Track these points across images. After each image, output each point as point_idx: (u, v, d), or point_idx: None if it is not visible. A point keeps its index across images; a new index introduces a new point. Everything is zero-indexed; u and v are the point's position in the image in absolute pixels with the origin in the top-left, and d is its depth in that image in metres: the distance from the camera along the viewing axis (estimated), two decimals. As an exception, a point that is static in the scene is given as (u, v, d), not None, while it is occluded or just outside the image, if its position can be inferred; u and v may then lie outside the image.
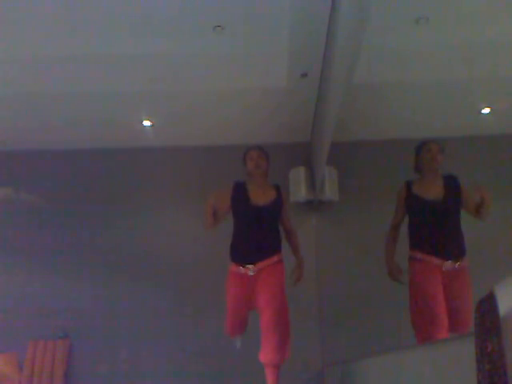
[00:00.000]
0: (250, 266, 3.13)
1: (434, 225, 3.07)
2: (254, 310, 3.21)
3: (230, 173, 4.98)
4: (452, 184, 3.15)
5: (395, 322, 4.22)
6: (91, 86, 4.05)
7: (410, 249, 3.16)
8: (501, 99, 4.40)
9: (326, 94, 3.81)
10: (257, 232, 3.18)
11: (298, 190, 4.79)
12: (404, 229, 3.29)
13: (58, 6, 3.15)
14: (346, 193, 4.82)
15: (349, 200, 4.81)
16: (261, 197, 3.24)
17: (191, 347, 4.56)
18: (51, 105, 4.37)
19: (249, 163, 3.30)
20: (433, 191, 3.14)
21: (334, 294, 4.58)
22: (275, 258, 3.18)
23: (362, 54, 3.19)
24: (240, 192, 3.27)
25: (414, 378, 1.83)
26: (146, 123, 4.72)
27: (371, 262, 4.55)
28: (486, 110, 4.57)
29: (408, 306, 3.13)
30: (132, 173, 5.09)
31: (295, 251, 3.36)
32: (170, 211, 5.00)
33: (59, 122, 4.65)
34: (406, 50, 3.66)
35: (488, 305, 0.93)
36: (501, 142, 4.93)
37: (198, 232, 4.90)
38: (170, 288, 4.73)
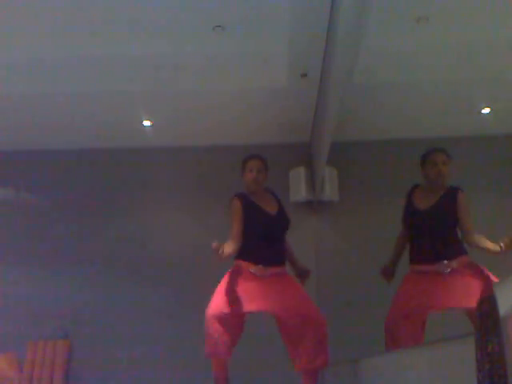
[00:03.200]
0: (260, 267, 3.04)
1: (424, 234, 3.06)
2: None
3: (229, 173, 4.99)
4: (450, 196, 3.08)
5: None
6: (91, 86, 4.05)
7: (409, 265, 3.14)
8: (501, 99, 4.40)
9: (325, 94, 3.81)
10: (269, 238, 3.13)
11: (298, 190, 4.79)
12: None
13: (58, 6, 3.14)
14: (346, 193, 4.82)
15: (349, 200, 4.81)
16: (268, 205, 3.20)
17: (191, 347, 4.56)
18: (51, 105, 4.37)
19: (248, 175, 3.15)
20: (427, 201, 3.10)
21: (333, 293, 4.57)
22: (285, 268, 3.16)
23: (362, 54, 3.20)
24: (248, 200, 3.17)
25: (414, 378, 1.83)
26: (146, 123, 4.72)
27: (371, 262, 4.54)
28: (486, 110, 4.57)
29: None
30: (132, 173, 5.09)
31: (292, 252, 3.30)
32: (169, 211, 5.00)
33: (59, 122, 4.65)
34: (406, 50, 3.65)
35: (488, 305, 0.93)
36: (501, 142, 4.92)
37: (197, 232, 4.90)
38: (170, 288, 4.73)
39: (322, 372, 4.42)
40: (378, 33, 3.32)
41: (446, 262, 2.96)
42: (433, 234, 3.05)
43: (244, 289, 3.01)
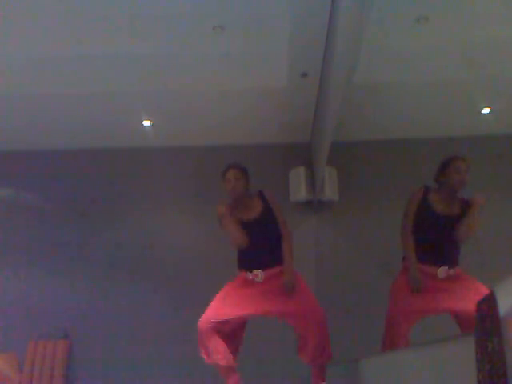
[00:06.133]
0: (257, 272, 3.09)
1: (437, 237, 3.06)
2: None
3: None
4: (466, 205, 3.08)
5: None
6: (91, 86, 4.05)
7: (403, 259, 3.16)
8: (501, 99, 4.40)
9: (325, 94, 3.81)
10: (257, 243, 3.13)
11: (298, 190, 4.79)
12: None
13: (58, 5, 3.14)
14: (346, 193, 4.82)
15: (349, 200, 4.81)
16: (249, 211, 3.19)
17: (191, 347, 4.56)
18: (51, 105, 4.37)
19: (227, 185, 3.21)
20: (447, 207, 3.07)
21: (333, 293, 4.57)
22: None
23: (362, 54, 3.19)
24: (228, 209, 3.19)
25: (414, 378, 1.83)
26: (146, 123, 4.72)
27: (371, 261, 4.55)
28: (486, 110, 4.57)
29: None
30: (132, 173, 5.09)
31: (284, 255, 3.15)
32: (169, 211, 5.00)
33: (59, 122, 4.65)
34: (406, 50, 3.65)
35: (488, 305, 0.93)
36: (501, 142, 4.93)
37: (197, 232, 4.90)
38: (170, 288, 4.73)
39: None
40: (378, 33, 3.32)
41: (446, 268, 3.01)
42: (444, 239, 3.04)
43: (241, 295, 3.09)
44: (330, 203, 4.82)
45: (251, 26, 3.37)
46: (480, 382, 0.92)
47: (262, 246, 3.14)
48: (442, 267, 3.00)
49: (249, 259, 3.17)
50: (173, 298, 4.72)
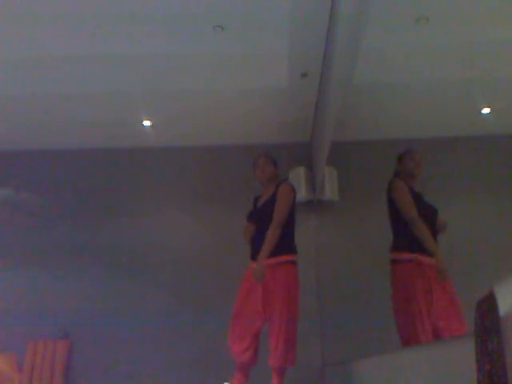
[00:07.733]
0: (252, 261, 3.19)
1: (428, 225, 3.09)
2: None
3: (230, 173, 5.00)
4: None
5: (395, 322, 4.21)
6: (91, 85, 4.05)
7: (394, 250, 3.14)
8: (501, 99, 4.40)
9: (325, 93, 3.81)
10: (259, 231, 3.20)
11: (298, 190, 4.75)
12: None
13: (58, 5, 3.14)
14: (346, 193, 4.82)
15: (349, 200, 4.81)
16: (263, 198, 3.36)
17: (191, 347, 4.57)
18: (51, 105, 4.37)
19: (257, 170, 3.43)
20: (417, 193, 3.20)
21: (333, 293, 4.57)
22: (281, 258, 3.11)
23: (362, 54, 3.19)
24: (255, 200, 3.46)
25: (414, 378, 1.83)
26: (146, 123, 4.72)
27: (371, 261, 4.55)
28: (486, 110, 4.57)
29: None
30: (132, 173, 5.09)
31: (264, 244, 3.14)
32: (169, 211, 5.00)
33: (59, 121, 4.65)
34: (406, 50, 3.66)
35: (488, 305, 0.93)
36: (501, 142, 4.93)
37: (197, 232, 4.91)
38: (170, 288, 4.73)
39: (321, 371, 4.44)
40: (378, 33, 3.32)
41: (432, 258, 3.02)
42: (434, 226, 3.11)
43: (246, 289, 3.18)
44: (329, 203, 4.82)
45: (251, 26, 3.37)
46: (480, 382, 0.92)
47: (261, 235, 3.14)
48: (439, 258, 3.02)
49: (251, 249, 3.24)
50: (173, 297, 4.72)
